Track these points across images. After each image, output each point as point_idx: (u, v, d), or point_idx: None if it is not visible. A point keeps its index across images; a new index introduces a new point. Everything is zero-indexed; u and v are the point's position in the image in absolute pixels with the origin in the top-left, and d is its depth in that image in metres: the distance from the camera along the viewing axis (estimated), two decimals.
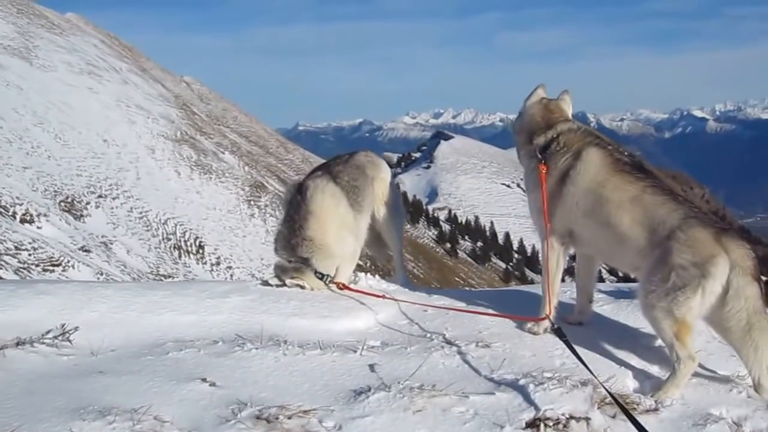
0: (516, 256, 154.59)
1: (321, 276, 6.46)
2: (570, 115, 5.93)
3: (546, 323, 5.60)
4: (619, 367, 5.20)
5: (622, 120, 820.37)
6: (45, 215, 46.17)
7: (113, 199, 58.18)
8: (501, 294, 6.70)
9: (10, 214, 43.42)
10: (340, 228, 6.59)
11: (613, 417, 4.45)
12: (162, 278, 51.80)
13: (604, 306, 6.17)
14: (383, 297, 6.31)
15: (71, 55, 78.93)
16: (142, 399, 4.27)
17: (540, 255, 5.82)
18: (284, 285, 6.47)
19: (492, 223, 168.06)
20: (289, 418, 4.19)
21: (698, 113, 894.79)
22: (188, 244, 61.56)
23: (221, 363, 4.91)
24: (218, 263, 62.26)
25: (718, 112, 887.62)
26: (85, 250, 45.30)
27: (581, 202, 5.42)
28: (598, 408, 4.51)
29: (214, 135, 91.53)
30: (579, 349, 5.26)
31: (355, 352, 5.21)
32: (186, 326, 5.50)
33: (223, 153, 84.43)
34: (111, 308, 5.54)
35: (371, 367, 4.99)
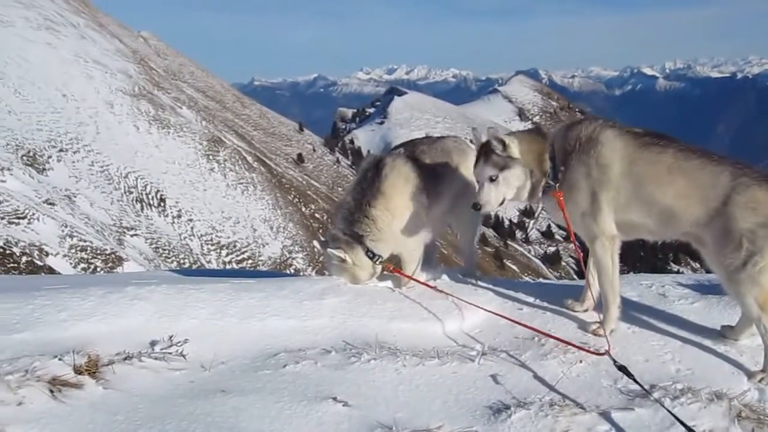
0: None
1: (372, 256, 6.08)
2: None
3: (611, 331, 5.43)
4: (735, 374, 5.01)
5: (573, 77, 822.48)
6: (8, 169, 46.06)
7: (74, 153, 58.10)
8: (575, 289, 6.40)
9: None
10: (407, 216, 6.12)
11: None
12: (125, 230, 52.02)
13: (694, 303, 5.96)
14: (435, 288, 6.07)
15: (29, 11, 77.69)
16: (280, 425, 4.05)
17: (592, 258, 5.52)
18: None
19: None
20: None
21: (648, 71, 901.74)
22: (150, 197, 61.83)
23: (343, 377, 4.66)
24: (179, 216, 62.66)
25: (668, 70, 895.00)
26: (50, 203, 45.35)
27: (621, 187, 5.15)
28: (738, 422, 4.36)
29: (171, 90, 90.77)
30: (690, 355, 5.07)
31: (473, 361, 5.00)
32: (290, 332, 5.20)
33: (181, 108, 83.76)
34: (210, 314, 5.18)
35: (494, 378, 4.80)
